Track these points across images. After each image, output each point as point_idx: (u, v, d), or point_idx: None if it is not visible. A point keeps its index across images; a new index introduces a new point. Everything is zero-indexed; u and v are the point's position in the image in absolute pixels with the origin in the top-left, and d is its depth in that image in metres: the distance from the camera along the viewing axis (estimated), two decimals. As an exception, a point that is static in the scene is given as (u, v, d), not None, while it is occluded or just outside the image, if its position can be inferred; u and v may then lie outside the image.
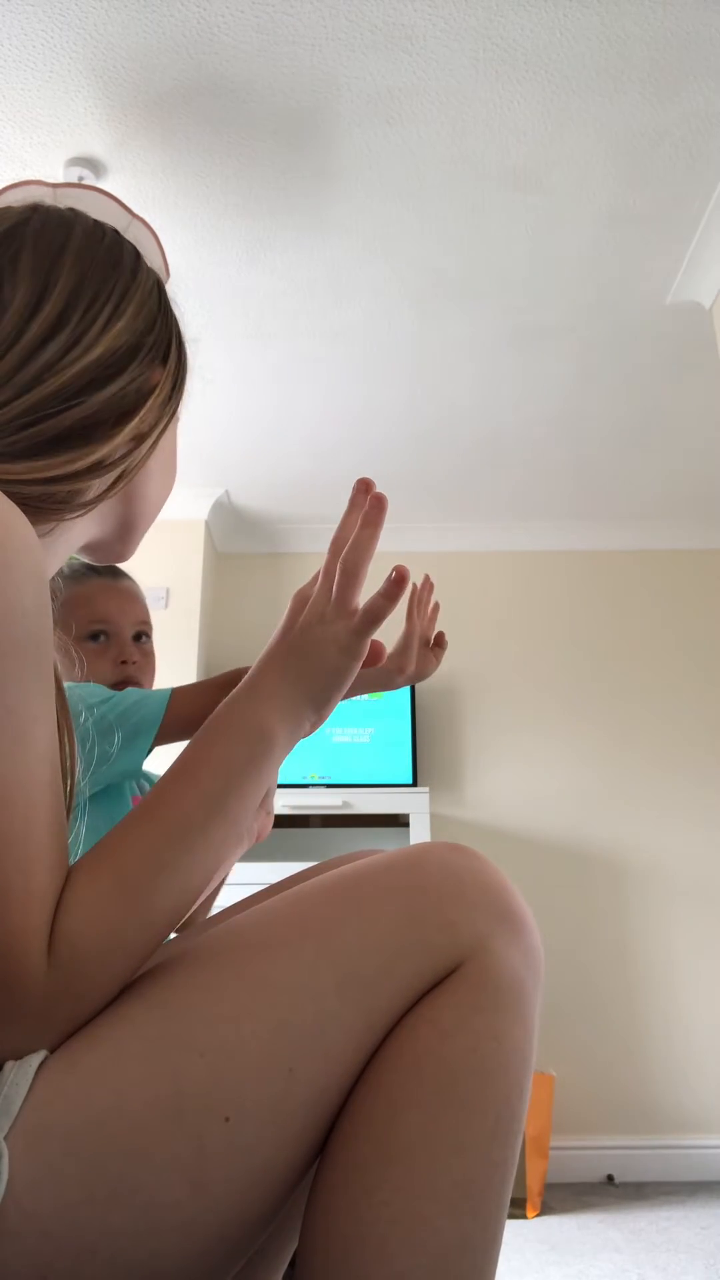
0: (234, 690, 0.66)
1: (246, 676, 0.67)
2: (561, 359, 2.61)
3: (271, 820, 0.96)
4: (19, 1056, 0.51)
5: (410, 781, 3.12)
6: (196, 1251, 0.51)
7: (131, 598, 1.35)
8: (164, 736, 1.07)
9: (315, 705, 0.67)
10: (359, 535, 0.68)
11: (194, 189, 2.03)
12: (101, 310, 0.68)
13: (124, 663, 1.29)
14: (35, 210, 0.72)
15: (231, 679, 1.03)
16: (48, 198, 0.77)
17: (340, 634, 0.67)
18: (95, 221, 0.73)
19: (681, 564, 3.57)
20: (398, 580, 0.66)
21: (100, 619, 1.29)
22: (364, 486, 0.69)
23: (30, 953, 0.50)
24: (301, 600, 0.70)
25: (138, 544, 0.79)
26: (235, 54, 1.72)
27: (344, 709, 3.19)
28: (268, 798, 0.93)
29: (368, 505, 0.68)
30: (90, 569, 1.33)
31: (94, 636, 1.28)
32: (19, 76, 1.76)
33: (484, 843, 3.19)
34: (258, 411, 2.87)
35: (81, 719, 1.12)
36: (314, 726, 0.68)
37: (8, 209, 0.71)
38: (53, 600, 1.32)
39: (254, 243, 2.18)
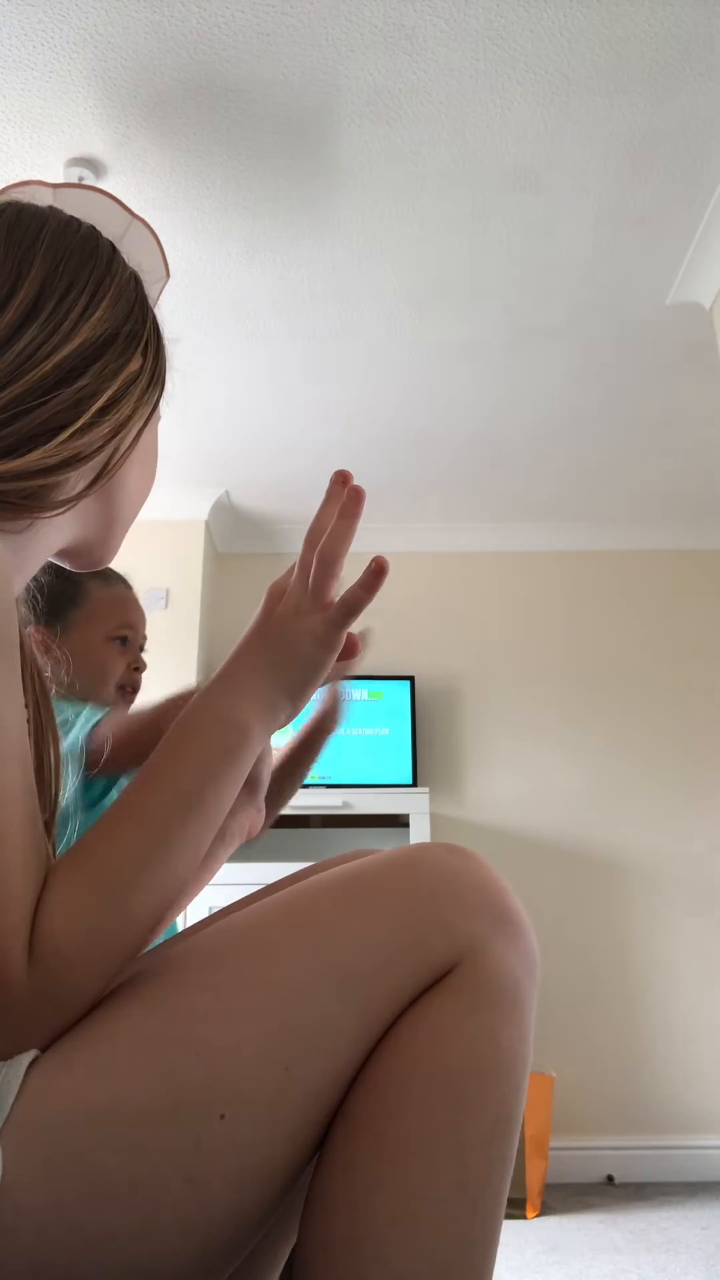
0: (208, 683, 0.65)
1: (220, 668, 0.66)
2: (561, 359, 2.61)
3: (263, 817, 0.96)
4: (7, 1057, 0.51)
5: (410, 781, 3.12)
6: (193, 1248, 0.52)
7: (144, 615, 1.45)
8: (105, 766, 1.09)
9: (290, 697, 0.66)
10: (336, 526, 0.67)
11: (194, 189, 2.03)
12: (78, 299, 0.67)
13: (137, 670, 1.39)
14: (10, 204, 0.71)
15: (165, 707, 1.03)
16: (48, 198, 0.77)
17: (316, 626, 0.66)
18: (71, 216, 0.73)
19: (681, 564, 3.57)
20: (376, 571, 0.65)
21: (130, 625, 1.39)
22: (341, 478, 0.68)
23: (10, 956, 0.50)
24: (277, 592, 0.69)
25: (117, 548, 0.77)
26: (235, 54, 1.72)
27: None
28: (258, 794, 0.93)
29: (345, 497, 0.67)
30: (112, 572, 1.40)
31: (119, 639, 1.38)
32: (19, 76, 1.76)
33: (484, 843, 3.19)
34: (258, 412, 2.87)
35: (74, 732, 1.13)
36: (289, 718, 0.67)
37: None
38: (83, 596, 1.35)
39: (254, 243, 2.18)
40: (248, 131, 1.89)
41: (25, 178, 1.50)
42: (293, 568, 0.69)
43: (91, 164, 1.94)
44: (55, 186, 0.79)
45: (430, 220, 2.13)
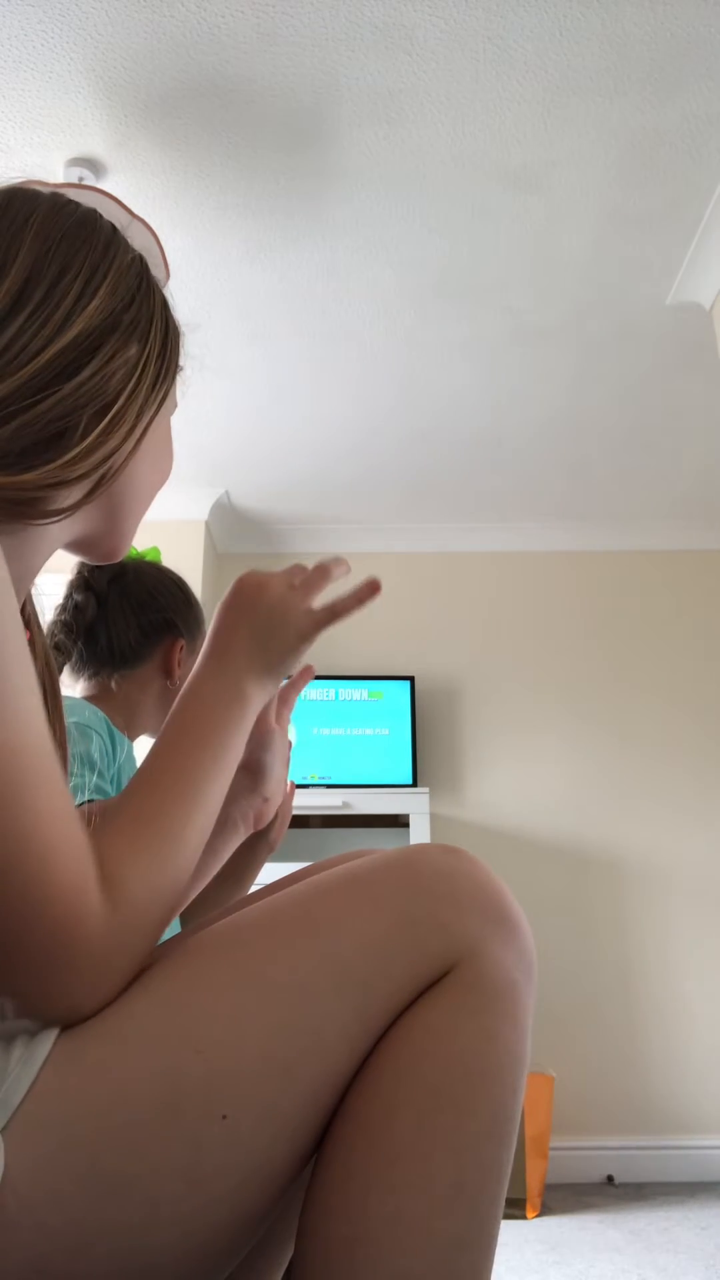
0: (199, 665, 0.70)
1: (207, 651, 0.71)
2: (561, 359, 2.61)
3: (270, 806, 0.96)
4: (77, 1013, 0.52)
5: (410, 782, 3.12)
6: (193, 1247, 0.52)
7: None
8: None
9: (275, 678, 0.73)
10: (350, 601, 0.75)
11: (194, 189, 2.03)
12: (71, 286, 0.62)
13: None
14: (4, 189, 0.68)
15: None
16: None
17: (302, 621, 0.73)
18: (70, 199, 0.69)
19: (681, 564, 3.57)
20: (371, 588, 0.74)
21: None
22: (373, 588, 0.75)
23: (90, 901, 0.50)
24: (255, 580, 0.74)
25: (129, 541, 0.75)
26: (235, 54, 1.72)
27: (345, 708, 3.19)
28: (262, 783, 0.93)
29: (365, 585, 0.75)
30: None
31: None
32: (19, 76, 1.76)
33: (483, 843, 3.19)
34: (258, 412, 2.87)
35: (94, 741, 1.13)
36: (269, 696, 0.73)
37: None
38: (188, 606, 1.38)
39: (254, 243, 2.18)
40: (248, 131, 1.89)
41: (25, 178, 1.49)
42: (269, 571, 0.75)
43: (91, 164, 1.94)
44: (55, 187, 0.79)
45: (430, 220, 2.13)
